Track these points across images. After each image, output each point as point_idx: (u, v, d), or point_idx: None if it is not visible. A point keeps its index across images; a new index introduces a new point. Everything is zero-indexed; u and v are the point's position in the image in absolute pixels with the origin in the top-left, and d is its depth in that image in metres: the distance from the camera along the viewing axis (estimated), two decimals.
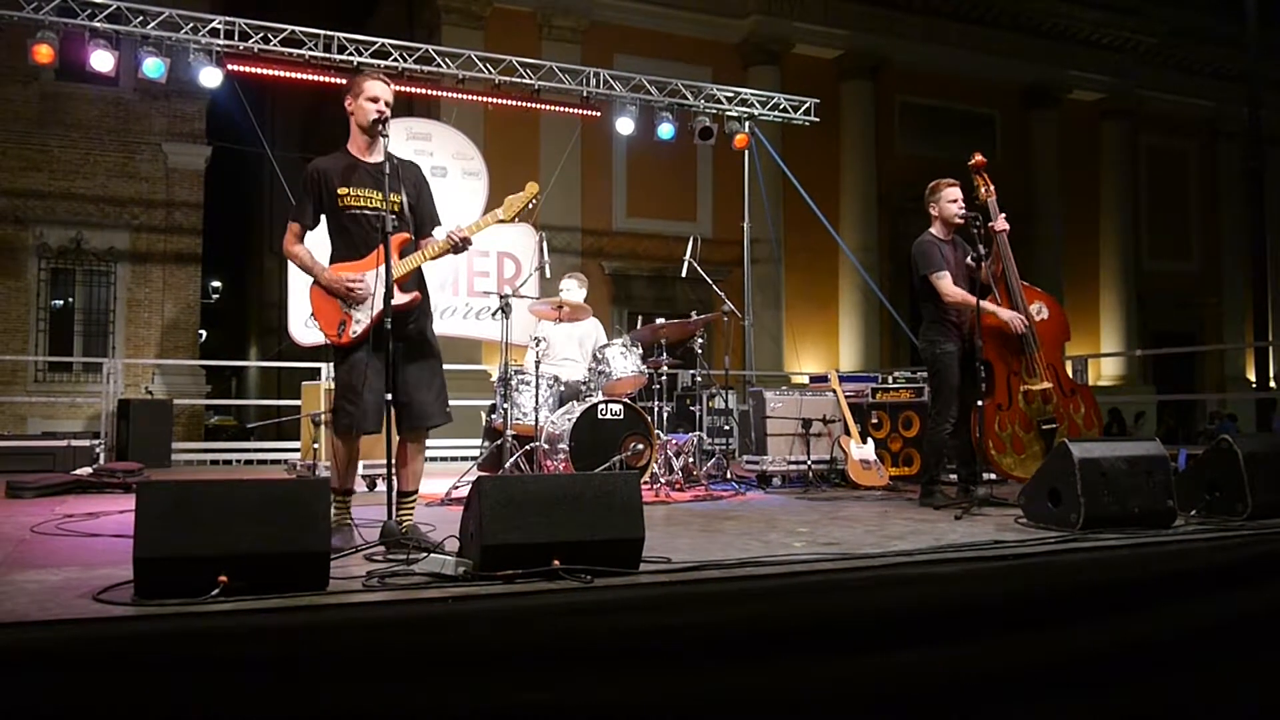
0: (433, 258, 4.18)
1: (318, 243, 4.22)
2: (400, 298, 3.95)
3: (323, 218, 4.18)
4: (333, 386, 4.38)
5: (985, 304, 5.53)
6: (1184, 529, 4.33)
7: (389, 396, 3.85)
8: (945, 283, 5.67)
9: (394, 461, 3.95)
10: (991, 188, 5.92)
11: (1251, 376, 22.24)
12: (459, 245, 4.13)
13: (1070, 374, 6.73)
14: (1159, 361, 22.02)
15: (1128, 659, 3.57)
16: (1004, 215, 5.81)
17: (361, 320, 4.04)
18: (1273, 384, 12.40)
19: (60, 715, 2.34)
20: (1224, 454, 4.67)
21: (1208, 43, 22.06)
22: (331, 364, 4.24)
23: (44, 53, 8.97)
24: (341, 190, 4.09)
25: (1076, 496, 4.21)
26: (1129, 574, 3.76)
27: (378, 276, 4.02)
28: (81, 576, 3.20)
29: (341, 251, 4.15)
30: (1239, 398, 20.32)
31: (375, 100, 4.10)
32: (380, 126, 4.02)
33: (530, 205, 4.55)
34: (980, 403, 5.46)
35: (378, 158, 4.18)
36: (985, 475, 5.82)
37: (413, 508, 4.16)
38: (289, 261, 4.23)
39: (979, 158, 6.00)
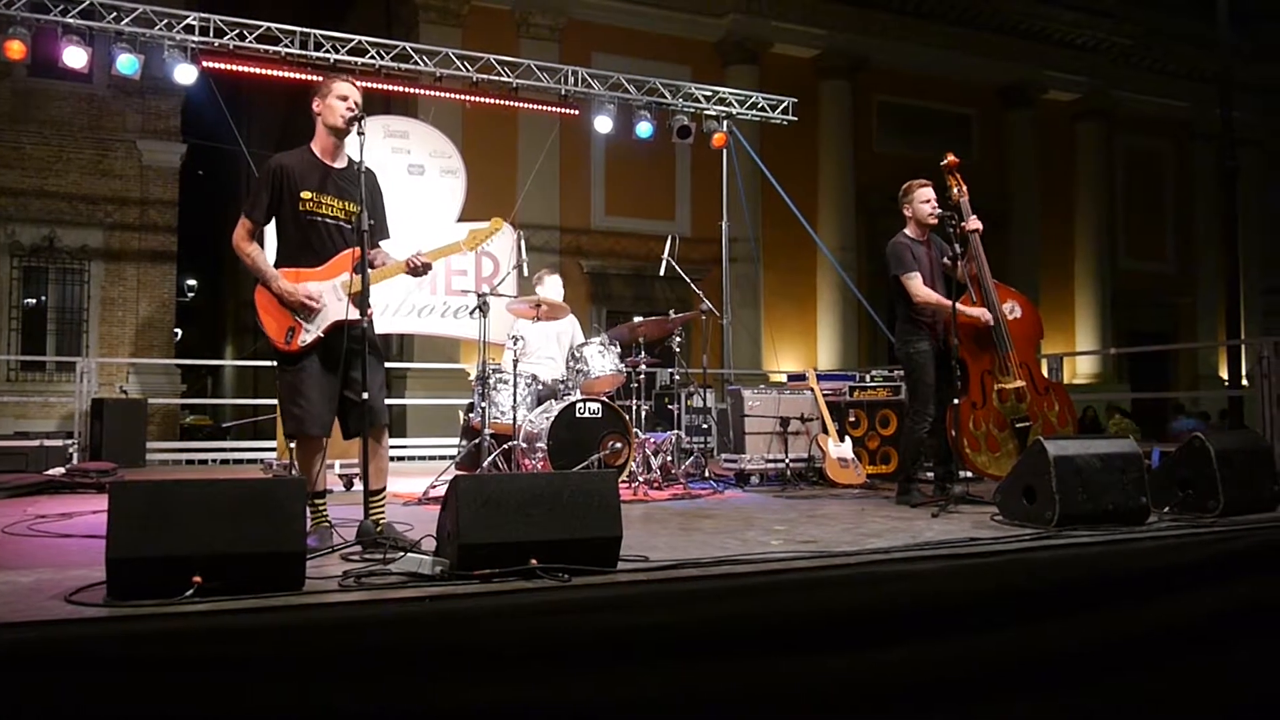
0: (387, 278, 4.15)
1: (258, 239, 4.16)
2: (357, 312, 3.91)
3: (274, 216, 4.11)
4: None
5: (957, 304, 5.55)
6: (1157, 526, 4.37)
7: (364, 397, 3.83)
8: (915, 283, 5.71)
9: (364, 461, 3.94)
10: (964, 187, 5.96)
11: (1224, 375, 22.46)
12: (418, 270, 4.12)
13: (1045, 372, 6.79)
14: (1134, 360, 22.21)
15: (1101, 655, 3.60)
16: (976, 215, 5.85)
17: (312, 330, 4.00)
18: (1245, 382, 12.50)
19: (32, 717, 2.32)
20: (1196, 452, 4.72)
21: (1182, 44, 22.23)
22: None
23: (15, 49, 8.86)
24: (305, 194, 4.04)
25: (1051, 494, 4.25)
26: (1103, 571, 3.79)
27: (334, 289, 4.01)
28: (54, 578, 3.17)
29: (292, 256, 4.08)
30: (1212, 395, 20.50)
31: (345, 99, 4.06)
32: (356, 125, 3.99)
33: (492, 238, 4.61)
34: (955, 401, 5.50)
35: (342, 163, 4.16)
36: (962, 473, 5.85)
37: (383, 504, 4.15)
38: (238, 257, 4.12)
39: (951, 158, 6.04)
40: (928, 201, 5.81)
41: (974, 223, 5.78)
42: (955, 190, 5.95)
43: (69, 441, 9.09)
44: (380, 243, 4.24)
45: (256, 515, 2.86)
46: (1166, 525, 4.40)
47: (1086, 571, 3.76)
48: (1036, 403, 5.81)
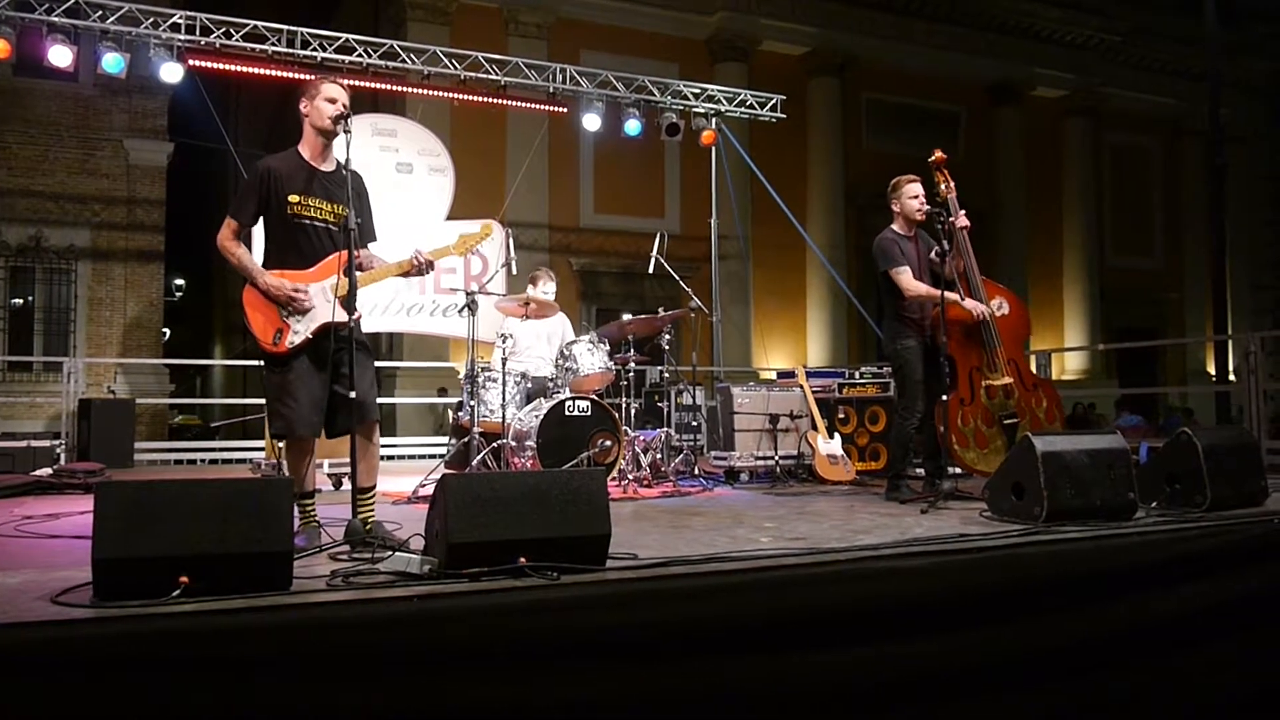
0: (379, 280, 4.14)
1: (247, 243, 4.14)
2: (345, 314, 3.89)
3: (261, 220, 4.10)
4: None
5: (947, 294, 5.56)
6: (1145, 521, 4.38)
7: (353, 394, 3.81)
8: (905, 277, 5.71)
9: (353, 458, 3.93)
10: (952, 184, 5.96)
11: (1212, 370, 22.56)
12: (422, 269, 4.12)
13: (1034, 368, 6.80)
14: (1122, 356, 22.30)
15: (1090, 651, 3.61)
16: (964, 211, 5.85)
17: (300, 331, 3.98)
18: (1232, 377, 12.56)
19: (18, 719, 2.31)
20: (1184, 447, 4.73)
21: (1170, 41, 22.33)
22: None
23: (1, 48, 8.81)
24: (293, 198, 4.02)
25: (1040, 490, 4.25)
26: (1091, 566, 3.80)
27: (323, 291, 3.99)
28: (40, 579, 3.15)
29: (281, 259, 4.06)
30: (1199, 391, 20.60)
31: (333, 101, 4.04)
32: (343, 123, 3.96)
33: (482, 243, 4.63)
34: (944, 397, 5.51)
35: (330, 165, 4.14)
36: (950, 469, 5.86)
37: (372, 503, 4.13)
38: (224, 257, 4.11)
39: (939, 154, 6.04)
40: (916, 197, 5.82)
41: (962, 219, 5.77)
42: (943, 186, 5.96)
43: (56, 442, 9.05)
44: (368, 245, 4.22)
45: (244, 515, 2.84)
46: (1154, 520, 4.41)
47: (1075, 567, 3.77)
48: (1025, 399, 5.82)
